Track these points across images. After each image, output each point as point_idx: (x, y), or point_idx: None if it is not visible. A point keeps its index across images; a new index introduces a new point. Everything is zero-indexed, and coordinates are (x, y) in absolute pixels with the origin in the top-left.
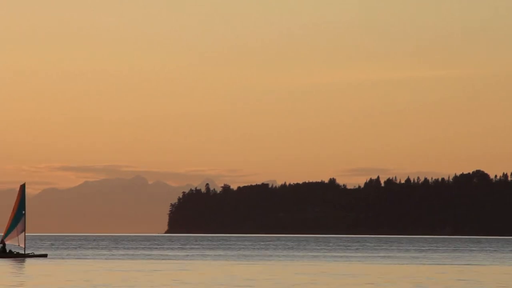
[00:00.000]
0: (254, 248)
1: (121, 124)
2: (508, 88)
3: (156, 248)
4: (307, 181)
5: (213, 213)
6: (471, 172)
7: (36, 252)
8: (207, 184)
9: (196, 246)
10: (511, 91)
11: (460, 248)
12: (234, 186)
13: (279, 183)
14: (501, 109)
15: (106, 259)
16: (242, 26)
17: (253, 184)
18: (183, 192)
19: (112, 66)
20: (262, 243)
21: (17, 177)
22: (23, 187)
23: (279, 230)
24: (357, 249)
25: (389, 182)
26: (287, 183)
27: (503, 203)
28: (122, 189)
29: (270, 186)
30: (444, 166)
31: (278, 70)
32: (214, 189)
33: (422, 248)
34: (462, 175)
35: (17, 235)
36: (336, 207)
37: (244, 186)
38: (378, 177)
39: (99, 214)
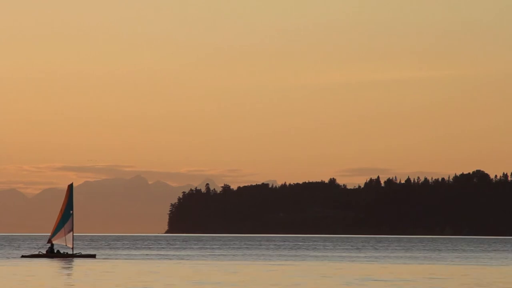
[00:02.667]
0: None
1: (121, 124)
2: (508, 88)
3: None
4: (307, 181)
5: (213, 213)
6: (471, 172)
7: (84, 252)
8: (207, 184)
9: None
10: (511, 91)
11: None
12: (234, 186)
13: (279, 183)
14: (501, 109)
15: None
16: (242, 26)
17: (253, 184)
18: (183, 192)
19: (113, 67)
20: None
21: (18, 177)
22: (70, 186)
23: (279, 230)
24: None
25: (389, 182)
26: (287, 183)
27: (503, 203)
28: (122, 189)
29: (270, 186)
30: (444, 166)
31: (278, 70)
32: (214, 189)
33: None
34: (462, 175)
35: (65, 235)
36: (336, 207)
37: (244, 186)
38: (378, 177)
39: (99, 214)
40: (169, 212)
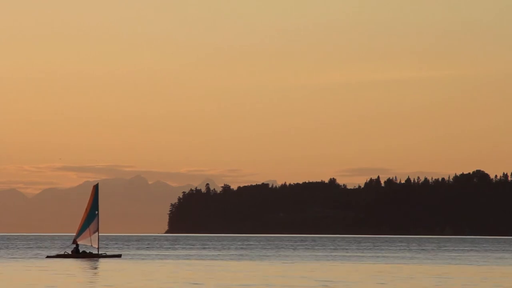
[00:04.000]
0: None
1: (121, 124)
2: (508, 88)
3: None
4: (307, 181)
5: (213, 213)
6: (471, 172)
7: (109, 253)
8: (207, 184)
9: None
10: (511, 91)
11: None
12: (234, 186)
13: (279, 183)
14: (501, 109)
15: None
16: (242, 26)
17: (253, 184)
18: (183, 192)
19: (113, 67)
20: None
21: (18, 177)
22: (96, 187)
23: (279, 230)
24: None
25: (389, 182)
26: (287, 183)
27: (503, 203)
28: (122, 189)
29: (270, 186)
30: (444, 166)
31: (278, 70)
32: (214, 189)
33: None
34: (462, 175)
35: (90, 236)
36: (336, 207)
37: (244, 186)
38: (378, 177)
39: (99, 214)
40: (169, 212)
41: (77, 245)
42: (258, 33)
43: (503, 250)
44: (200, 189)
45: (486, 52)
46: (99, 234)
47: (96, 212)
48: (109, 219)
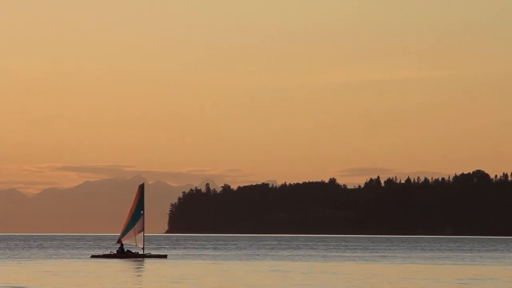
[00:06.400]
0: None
1: (121, 124)
2: (508, 88)
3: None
4: (307, 181)
5: (213, 213)
6: (471, 172)
7: (154, 253)
8: (207, 184)
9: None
10: (511, 91)
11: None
12: (234, 186)
13: (279, 183)
14: (501, 109)
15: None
16: (242, 26)
17: (253, 184)
18: (183, 192)
19: (113, 67)
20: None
21: (18, 177)
22: (141, 187)
23: (279, 230)
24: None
25: (389, 182)
26: (287, 183)
27: (503, 203)
28: (122, 189)
29: (270, 186)
30: (444, 166)
31: (278, 70)
32: (214, 189)
33: None
34: (462, 175)
35: (135, 235)
36: (336, 207)
37: (244, 186)
38: (378, 177)
39: (100, 214)
40: (169, 212)
41: (122, 244)
42: (258, 33)
43: None
44: (200, 189)
45: (486, 52)
46: (144, 234)
47: (142, 212)
48: (109, 219)
